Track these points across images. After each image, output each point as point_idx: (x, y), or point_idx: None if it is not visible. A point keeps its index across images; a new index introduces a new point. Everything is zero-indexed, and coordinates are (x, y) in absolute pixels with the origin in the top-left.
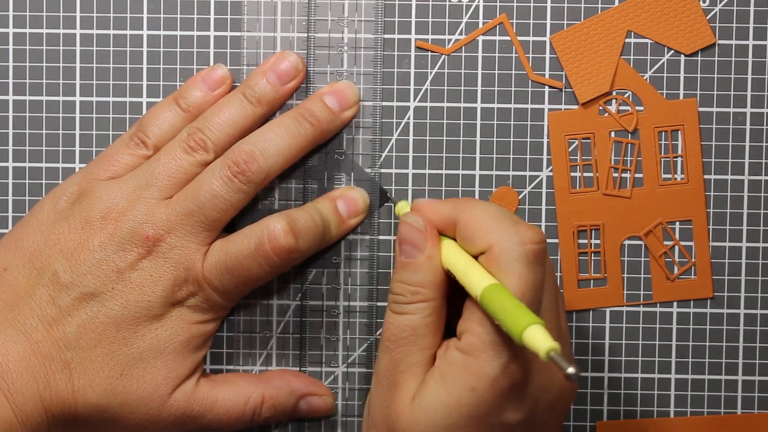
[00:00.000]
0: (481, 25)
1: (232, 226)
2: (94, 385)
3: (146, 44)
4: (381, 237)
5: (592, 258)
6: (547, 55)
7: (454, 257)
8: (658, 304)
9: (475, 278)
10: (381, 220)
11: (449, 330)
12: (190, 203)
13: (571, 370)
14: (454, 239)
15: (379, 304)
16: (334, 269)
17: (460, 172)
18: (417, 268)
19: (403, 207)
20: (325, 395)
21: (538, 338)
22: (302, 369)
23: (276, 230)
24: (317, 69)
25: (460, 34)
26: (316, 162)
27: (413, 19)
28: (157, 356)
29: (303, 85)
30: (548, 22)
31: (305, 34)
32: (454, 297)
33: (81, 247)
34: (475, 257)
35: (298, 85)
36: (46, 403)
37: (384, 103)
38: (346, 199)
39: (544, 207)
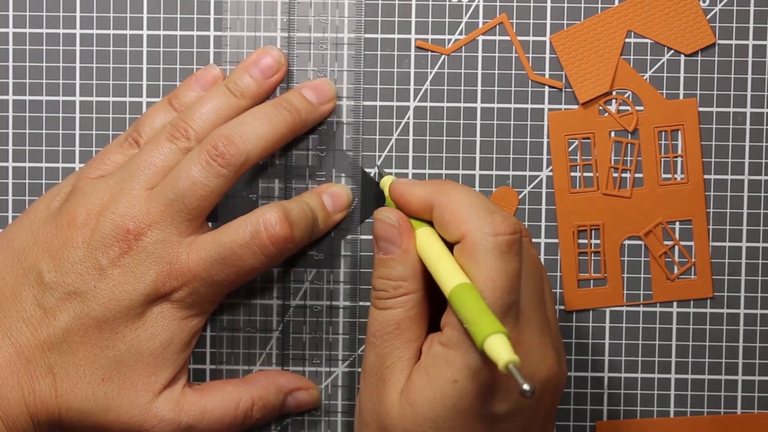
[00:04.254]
0: (481, 25)
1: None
2: (76, 390)
3: (146, 44)
4: (363, 236)
5: (592, 258)
6: (547, 55)
7: (427, 249)
8: (658, 304)
9: (445, 275)
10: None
11: (436, 325)
12: (169, 192)
13: (526, 387)
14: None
15: (362, 303)
16: (315, 268)
17: (460, 172)
18: (395, 263)
19: (387, 182)
20: (310, 389)
21: (498, 349)
22: (285, 368)
23: (272, 219)
24: (299, 67)
25: (460, 33)
26: (298, 160)
27: (413, 19)
28: (137, 359)
29: (284, 84)
30: (548, 21)
31: (300, 34)
32: (439, 291)
33: (65, 246)
34: (452, 244)
35: (281, 78)
36: (31, 408)
37: (384, 103)
38: (331, 194)
39: (544, 207)
